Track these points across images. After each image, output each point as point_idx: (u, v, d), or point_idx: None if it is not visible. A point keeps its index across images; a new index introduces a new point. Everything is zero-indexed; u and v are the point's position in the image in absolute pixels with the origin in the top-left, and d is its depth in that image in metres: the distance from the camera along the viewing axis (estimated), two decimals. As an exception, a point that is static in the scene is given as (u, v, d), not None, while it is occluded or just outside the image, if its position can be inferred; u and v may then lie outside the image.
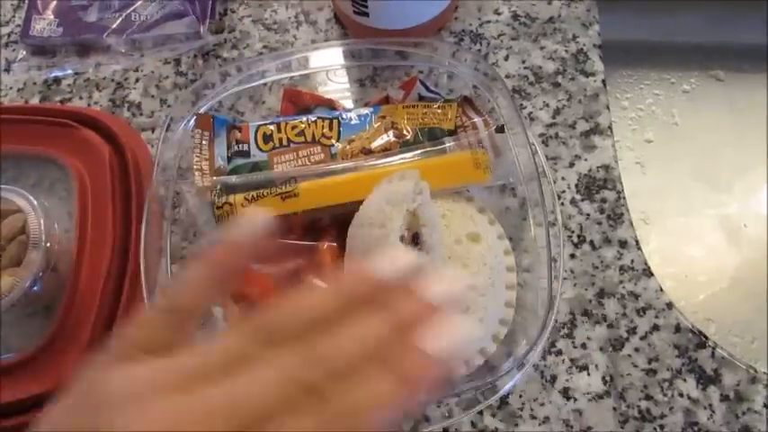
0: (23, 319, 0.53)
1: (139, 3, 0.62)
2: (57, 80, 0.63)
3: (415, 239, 0.44)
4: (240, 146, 0.52)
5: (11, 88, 0.63)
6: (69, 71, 0.63)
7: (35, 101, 0.62)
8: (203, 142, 0.52)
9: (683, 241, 0.67)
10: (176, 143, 0.53)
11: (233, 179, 0.50)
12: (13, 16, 0.66)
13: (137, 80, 0.62)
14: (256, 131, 0.53)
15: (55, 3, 0.64)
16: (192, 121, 0.53)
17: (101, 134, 0.57)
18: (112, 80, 0.62)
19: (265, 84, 0.57)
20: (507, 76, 0.59)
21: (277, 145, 0.52)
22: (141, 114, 0.61)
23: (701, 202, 0.69)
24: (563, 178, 0.55)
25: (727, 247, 0.67)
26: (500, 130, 0.50)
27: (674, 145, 0.72)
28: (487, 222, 0.50)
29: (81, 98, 0.62)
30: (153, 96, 0.61)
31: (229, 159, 0.52)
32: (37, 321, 0.53)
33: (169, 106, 0.60)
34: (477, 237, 0.48)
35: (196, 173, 0.51)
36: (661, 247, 0.67)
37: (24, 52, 0.64)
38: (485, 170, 0.49)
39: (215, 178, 0.50)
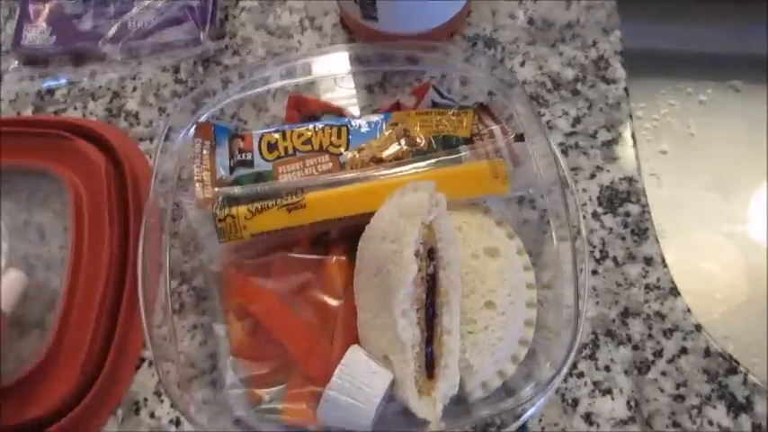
0: (15, 341, 0.50)
1: (136, 10, 0.60)
2: (50, 90, 0.60)
3: (430, 255, 0.42)
4: (243, 155, 0.49)
5: (2, 100, 0.60)
6: (63, 81, 0.60)
7: (28, 112, 0.59)
8: (204, 152, 0.50)
9: (700, 256, 0.65)
10: (176, 153, 0.50)
11: (236, 190, 0.47)
12: (4, 25, 0.63)
13: (134, 89, 0.59)
14: (260, 140, 0.50)
15: (48, 11, 0.61)
16: (193, 130, 0.51)
17: (96, 145, 0.54)
18: (108, 89, 0.59)
19: (269, 91, 0.54)
20: (524, 83, 0.56)
21: (282, 154, 0.49)
22: (139, 124, 0.58)
23: (717, 216, 0.67)
24: (584, 190, 0.53)
25: (745, 262, 0.64)
26: (519, 138, 0.48)
27: (690, 157, 0.69)
28: (506, 236, 0.47)
29: (76, 108, 0.59)
30: (151, 105, 0.58)
31: (232, 169, 0.49)
32: (30, 341, 0.50)
33: (168, 115, 0.57)
34: (495, 251, 0.45)
35: (197, 184, 0.49)
36: (677, 261, 0.64)
37: (16, 62, 0.61)
38: (504, 180, 0.46)
39: (216, 189, 0.47)
